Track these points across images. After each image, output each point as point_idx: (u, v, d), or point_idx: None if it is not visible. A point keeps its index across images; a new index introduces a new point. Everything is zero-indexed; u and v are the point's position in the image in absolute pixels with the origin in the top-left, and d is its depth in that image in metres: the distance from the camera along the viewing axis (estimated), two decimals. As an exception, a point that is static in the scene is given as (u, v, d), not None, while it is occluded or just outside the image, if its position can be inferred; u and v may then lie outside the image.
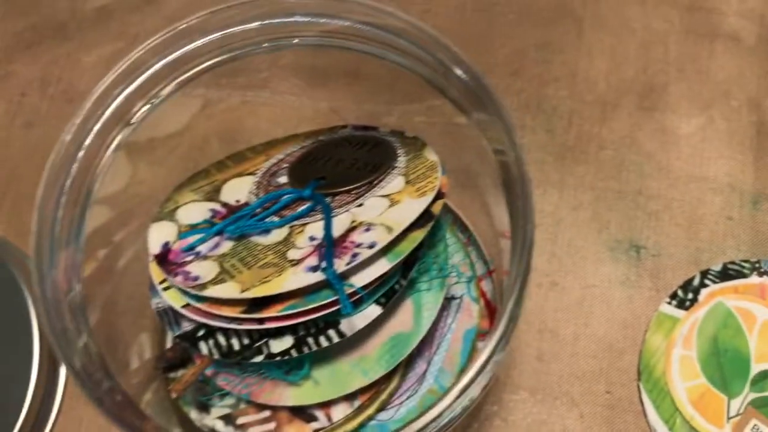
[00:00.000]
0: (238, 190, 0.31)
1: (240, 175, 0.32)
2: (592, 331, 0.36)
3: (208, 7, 0.29)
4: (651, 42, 0.40)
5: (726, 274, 0.36)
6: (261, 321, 0.27)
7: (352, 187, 0.29)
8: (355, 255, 0.26)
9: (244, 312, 0.26)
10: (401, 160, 0.30)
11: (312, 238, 0.27)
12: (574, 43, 0.40)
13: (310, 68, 0.37)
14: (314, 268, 0.26)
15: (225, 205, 0.31)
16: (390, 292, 0.28)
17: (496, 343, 0.23)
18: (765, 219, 0.37)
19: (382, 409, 0.30)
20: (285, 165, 0.32)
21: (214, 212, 0.30)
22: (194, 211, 0.30)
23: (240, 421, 0.30)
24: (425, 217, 0.28)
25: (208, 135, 0.35)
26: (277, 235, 0.28)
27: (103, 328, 0.28)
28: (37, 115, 0.41)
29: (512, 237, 0.24)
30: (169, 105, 0.30)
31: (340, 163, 0.31)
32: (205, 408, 0.30)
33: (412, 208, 0.28)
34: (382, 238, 0.26)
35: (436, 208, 0.28)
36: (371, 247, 0.26)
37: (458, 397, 0.23)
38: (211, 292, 0.26)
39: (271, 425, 0.30)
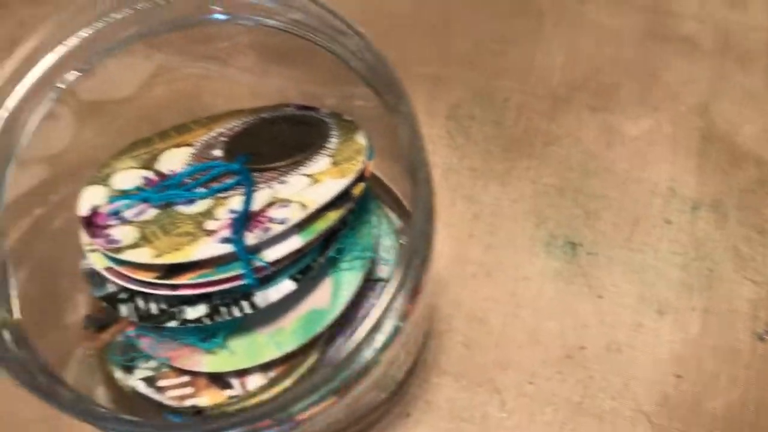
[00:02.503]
0: (175, 160, 0.32)
1: (179, 145, 0.33)
2: (520, 322, 0.36)
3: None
4: (607, 41, 0.40)
5: None
6: (174, 288, 0.27)
7: (280, 164, 0.30)
8: (266, 230, 0.27)
9: (159, 277, 0.27)
10: (333, 142, 0.31)
11: (232, 211, 0.28)
12: (532, 36, 0.41)
13: (266, 47, 0.38)
14: (226, 240, 0.27)
15: (158, 173, 0.31)
16: (306, 268, 0.29)
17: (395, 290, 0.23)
18: (702, 225, 0.37)
19: (300, 383, 0.30)
20: (223, 139, 0.33)
21: (147, 180, 0.31)
22: (128, 177, 0.31)
23: (160, 383, 0.31)
24: (344, 198, 0.28)
25: (161, 103, 0.36)
26: (201, 206, 0.29)
27: (36, 286, 0.29)
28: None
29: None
30: (119, 69, 0.31)
31: (275, 141, 0.32)
32: (129, 369, 0.31)
33: (330, 188, 0.28)
34: (295, 215, 0.27)
35: (357, 191, 0.29)
36: (283, 222, 0.27)
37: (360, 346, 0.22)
38: (127, 255, 0.27)
39: (189, 389, 0.31)
